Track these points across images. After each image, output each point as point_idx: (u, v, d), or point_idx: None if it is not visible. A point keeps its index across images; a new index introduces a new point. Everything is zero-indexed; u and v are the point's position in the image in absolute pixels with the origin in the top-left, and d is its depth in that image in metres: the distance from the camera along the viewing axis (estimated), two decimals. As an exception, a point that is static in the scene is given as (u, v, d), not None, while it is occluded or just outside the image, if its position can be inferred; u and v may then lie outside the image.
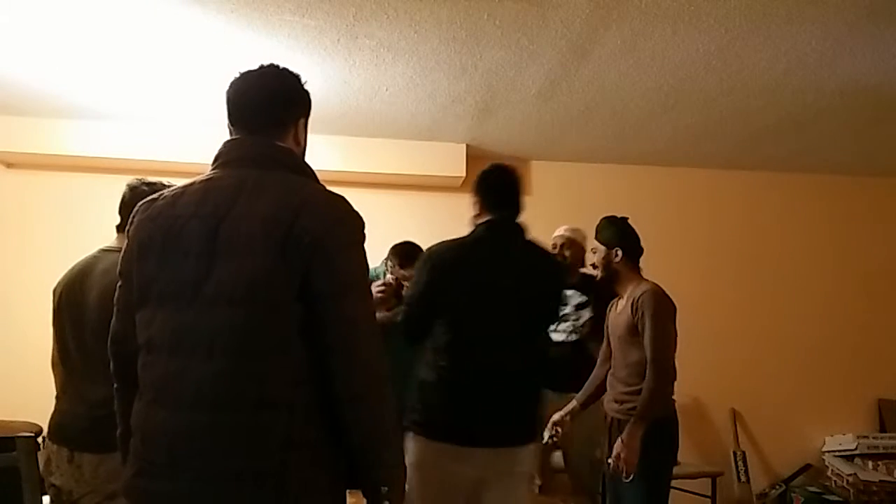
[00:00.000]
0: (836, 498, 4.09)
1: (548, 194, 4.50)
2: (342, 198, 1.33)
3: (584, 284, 3.08)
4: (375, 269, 3.10)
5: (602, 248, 2.60)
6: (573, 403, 2.71)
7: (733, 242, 4.62)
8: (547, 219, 4.43)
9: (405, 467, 1.36)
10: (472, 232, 2.10)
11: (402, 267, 2.81)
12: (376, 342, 1.30)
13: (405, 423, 2.00)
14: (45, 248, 3.99)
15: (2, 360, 3.92)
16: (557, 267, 2.24)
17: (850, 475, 4.08)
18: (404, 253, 2.85)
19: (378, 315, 2.75)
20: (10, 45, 2.84)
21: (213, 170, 1.36)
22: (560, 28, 2.59)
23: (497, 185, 2.12)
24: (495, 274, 2.03)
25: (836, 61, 2.83)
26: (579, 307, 3.10)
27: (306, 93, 1.46)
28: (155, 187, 2.09)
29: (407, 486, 1.70)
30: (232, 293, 1.21)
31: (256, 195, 1.26)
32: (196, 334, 1.22)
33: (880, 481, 4.00)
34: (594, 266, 2.67)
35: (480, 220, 2.10)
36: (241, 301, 1.21)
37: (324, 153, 4.01)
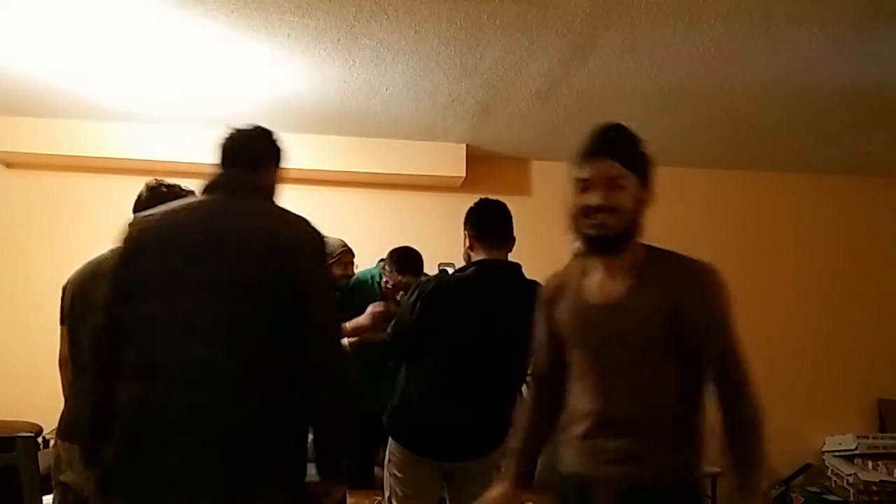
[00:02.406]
0: (836, 498, 4.09)
1: (548, 194, 4.49)
2: (308, 219, 1.59)
3: None
4: (370, 271, 3.08)
5: (632, 177, 1.46)
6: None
7: (732, 242, 4.61)
8: (547, 219, 4.45)
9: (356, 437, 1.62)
10: (465, 270, 2.15)
11: (399, 273, 2.81)
12: (340, 340, 1.62)
13: (386, 423, 2.20)
14: (45, 248, 3.99)
15: (2, 360, 3.92)
16: None
17: (850, 475, 4.08)
18: (403, 260, 2.85)
19: (371, 334, 2.76)
20: (11, 45, 2.84)
21: (203, 194, 1.60)
22: (560, 28, 2.59)
23: (491, 222, 2.16)
24: (486, 316, 2.08)
25: (836, 61, 2.83)
26: None
27: (282, 147, 1.75)
28: (173, 189, 2.12)
29: (391, 481, 2.12)
30: (225, 291, 1.42)
31: (242, 213, 1.52)
32: (191, 324, 1.41)
33: (880, 481, 3.99)
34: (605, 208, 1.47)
35: (474, 257, 2.14)
36: (232, 297, 1.42)
37: (324, 153, 4.01)
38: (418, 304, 2.08)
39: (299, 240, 1.51)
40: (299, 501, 1.48)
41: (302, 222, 1.56)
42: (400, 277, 2.80)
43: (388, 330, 2.22)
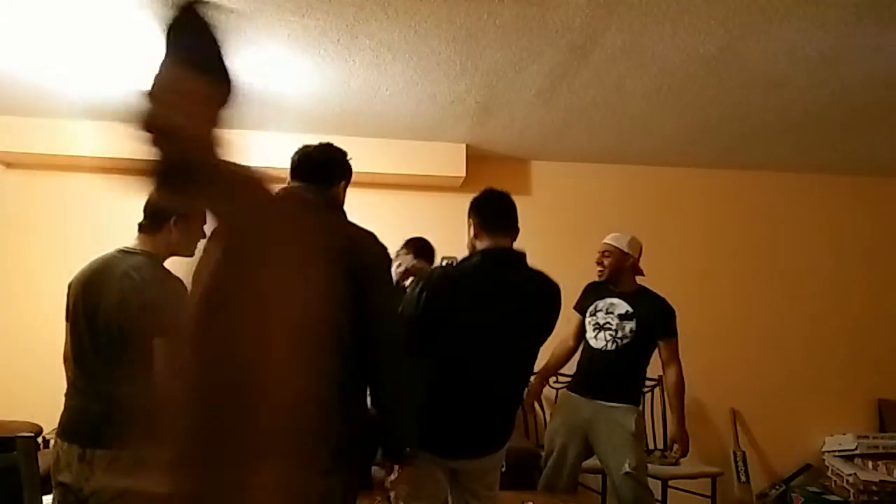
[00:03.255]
0: (836, 498, 4.09)
1: (548, 194, 4.50)
2: (375, 235, 1.79)
3: (635, 297, 3.08)
4: None
5: None
6: None
7: (733, 242, 4.62)
8: (547, 219, 4.46)
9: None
10: (471, 258, 2.13)
11: (414, 257, 2.86)
12: (402, 346, 1.78)
13: None
14: (44, 248, 3.99)
15: (2, 360, 3.92)
16: (554, 294, 2.20)
17: (850, 475, 4.08)
18: (419, 246, 2.91)
19: None
20: (11, 45, 2.84)
21: None
22: (560, 28, 2.59)
23: (496, 210, 2.16)
24: (494, 304, 2.05)
25: (836, 61, 2.83)
26: (623, 318, 3.03)
27: (349, 165, 1.95)
28: None
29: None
30: None
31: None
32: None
33: (880, 481, 3.99)
34: None
35: (479, 245, 2.13)
36: None
37: (324, 153, 4.02)
38: (423, 294, 2.03)
39: (368, 260, 1.70)
40: (355, 484, 1.76)
41: (371, 240, 1.74)
42: (414, 262, 2.82)
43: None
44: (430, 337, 2.05)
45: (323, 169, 1.87)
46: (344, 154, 1.95)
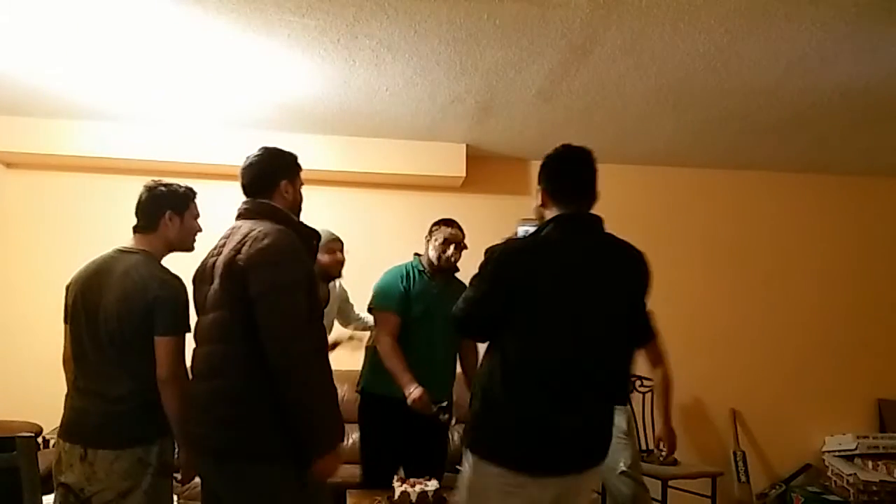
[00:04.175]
0: (836, 498, 4.09)
1: (548, 194, 4.50)
2: (278, 233, 1.79)
3: None
4: (405, 265, 3.01)
5: None
6: None
7: (733, 242, 4.62)
8: (547, 219, 4.46)
9: (335, 426, 1.79)
10: (542, 229, 1.81)
11: (447, 226, 2.87)
12: (291, 330, 1.72)
13: (468, 443, 1.81)
14: (45, 248, 3.99)
15: (3, 360, 3.92)
16: (642, 262, 1.88)
17: (850, 475, 4.09)
18: (446, 219, 2.91)
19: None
20: (11, 45, 2.84)
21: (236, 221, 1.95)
22: (560, 28, 2.59)
23: (571, 176, 1.87)
24: (575, 278, 1.74)
25: (836, 61, 2.83)
26: None
27: (284, 162, 1.99)
28: (171, 188, 2.11)
29: None
30: (214, 303, 1.81)
31: (232, 237, 1.84)
32: (201, 331, 1.86)
33: (880, 481, 4.00)
34: None
35: (549, 214, 1.83)
36: (215, 308, 1.80)
37: (324, 153, 4.02)
38: (490, 270, 1.76)
39: (251, 256, 1.74)
40: (278, 472, 1.73)
41: (264, 238, 1.76)
42: (449, 230, 2.83)
43: (459, 304, 1.85)
44: (499, 320, 1.75)
45: (254, 184, 1.94)
46: (275, 159, 1.97)
